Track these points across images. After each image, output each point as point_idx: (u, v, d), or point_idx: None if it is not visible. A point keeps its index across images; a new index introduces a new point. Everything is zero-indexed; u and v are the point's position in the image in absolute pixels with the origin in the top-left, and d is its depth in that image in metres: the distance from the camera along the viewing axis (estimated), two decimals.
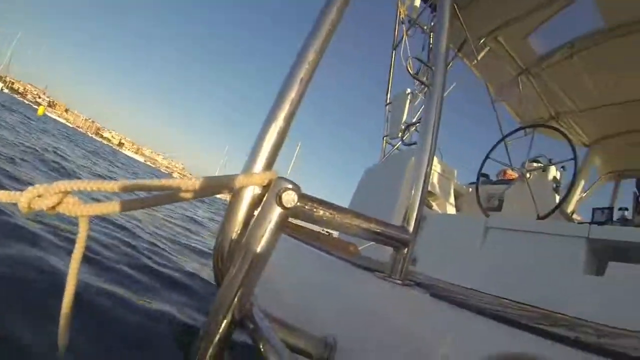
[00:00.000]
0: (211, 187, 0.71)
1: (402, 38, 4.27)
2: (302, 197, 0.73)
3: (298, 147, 42.29)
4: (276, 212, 0.69)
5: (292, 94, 0.75)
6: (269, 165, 0.72)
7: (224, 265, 0.73)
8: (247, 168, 0.72)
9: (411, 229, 0.97)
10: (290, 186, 0.70)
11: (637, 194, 3.45)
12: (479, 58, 3.80)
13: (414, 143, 3.72)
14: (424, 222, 2.81)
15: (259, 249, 0.68)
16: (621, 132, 4.38)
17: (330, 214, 0.79)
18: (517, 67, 4.04)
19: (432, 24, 3.95)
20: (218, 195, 0.80)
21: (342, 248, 1.74)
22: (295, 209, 0.71)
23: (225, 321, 0.70)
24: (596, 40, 3.50)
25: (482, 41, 3.84)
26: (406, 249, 0.95)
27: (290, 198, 0.69)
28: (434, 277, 1.51)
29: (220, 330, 0.70)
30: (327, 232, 2.50)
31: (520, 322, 0.68)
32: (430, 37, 3.99)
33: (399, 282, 0.94)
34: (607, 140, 4.55)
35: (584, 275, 1.95)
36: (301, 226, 1.94)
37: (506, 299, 1.48)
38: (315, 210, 0.77)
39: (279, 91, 0.76)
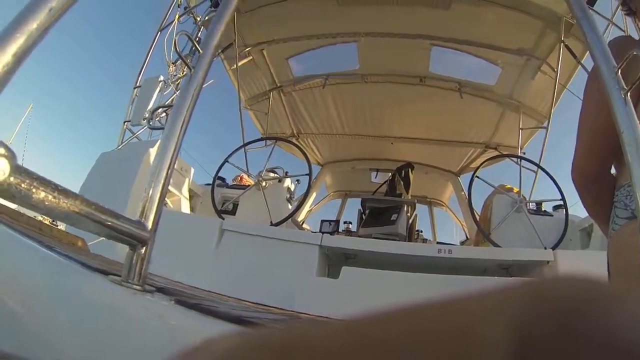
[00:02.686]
0: None
1: (173, 22, 3.99)
2: (18, 170, 0.51)
3: (29, 109, 30.67)
4: None
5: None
6: None
7: None
8: None
9: (150, 225, 0.86)
10: (2, 151, 0.47)
11: (361, 211, 4.42)
12: (239, 64, 3.91)
13: (160, 128, 3.41)
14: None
15: None
16: (349, 159, 5.56)
17: (55, 197, 0.58)
18: (272, 82, 4.51)
19: (207, 18, 3.87)
20: None
21: (69, 243, 1.38)
22: (7, 185, 0.49)
23: None
24: (348, 80, 4.35)
25: (247, 49, 4.06)
26: (144, 249, 0.83)
27: None
28: (170, 279, 1.42)
29: None
30: (54, 222, 1.93)
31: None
32: (199, 31, 3.89)
33: (138, 287, 0.80)
34: (338, 164, 5.63)
35: (317, 278, 2.36)
36: (18, 211, 1.42)
37: (249, 301, 1.56)
38: (35, 190, 0.55)
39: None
